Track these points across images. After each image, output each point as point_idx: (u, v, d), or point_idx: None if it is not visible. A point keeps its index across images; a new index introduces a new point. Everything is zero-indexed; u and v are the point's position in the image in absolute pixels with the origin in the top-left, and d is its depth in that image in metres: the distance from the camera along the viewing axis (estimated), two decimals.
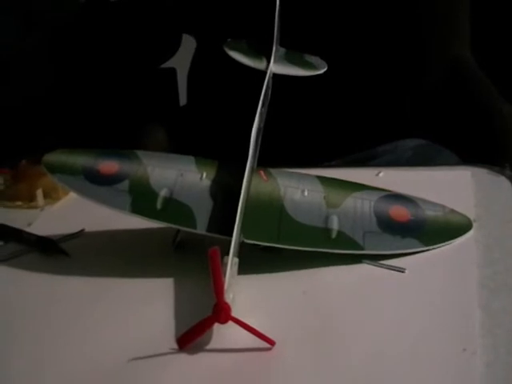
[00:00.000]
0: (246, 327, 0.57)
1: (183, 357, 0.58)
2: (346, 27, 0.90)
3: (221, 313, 0.57)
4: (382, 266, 0.67)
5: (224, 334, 0.59)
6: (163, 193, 0.69)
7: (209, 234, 0.67)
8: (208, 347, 0.59)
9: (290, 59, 0.83)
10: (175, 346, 0.59)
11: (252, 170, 0.70)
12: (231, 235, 0.64)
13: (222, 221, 0.67)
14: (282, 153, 0.84)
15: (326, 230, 0.69)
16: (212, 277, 0.57)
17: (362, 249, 0.68)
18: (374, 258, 0.68)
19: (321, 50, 0.84)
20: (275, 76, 0.79)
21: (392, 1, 0.88)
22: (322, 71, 0.82)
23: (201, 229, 0.67)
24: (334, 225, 0.69)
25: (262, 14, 0.85)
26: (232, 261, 0.62)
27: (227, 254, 0.62)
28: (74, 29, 0.60)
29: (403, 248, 0.68)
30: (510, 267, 0.66)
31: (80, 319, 0.64)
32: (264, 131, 0.73)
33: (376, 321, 0.61)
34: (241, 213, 0.66)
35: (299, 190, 0.71)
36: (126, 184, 0.69)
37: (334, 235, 0.68)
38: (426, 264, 0.68)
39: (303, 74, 0.82)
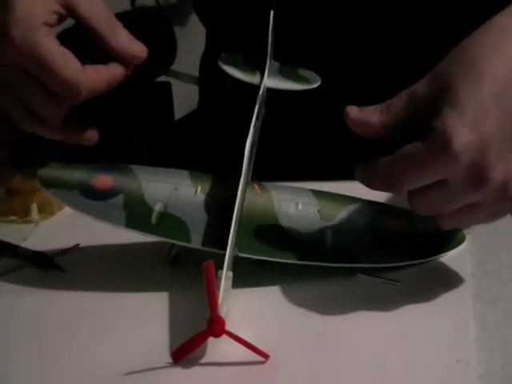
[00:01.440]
0: (240, 341, 0.57)
1: (177, 371, 0.58)
2: (341, 41, 0.90)
3: (215, 326, 0.57)
4: (376, 278, 0.68)
5: (218, 348, 0.59)
6: (158, 207, 0.69)
7: (203, 248, 0.67)
8: (202, 361, 0.59)
9: (284, 73, 0.83)
10: (170, 360, 0.59)
11: (246, 184, 0.70)
12: (225, 249, 0.64)
13: (216, 235, 0.67)
14: (275, 166, 0.84)
15: (320, 244, 0.69)
16: (206, 291, 0.57)
17: (356, 262, 0.68)
18: (369, 271, 0.68)
19: (315, 64, 0.84)
20: (269, 90, 0.79)
21: (391, 16, 0.88)
22: (315, 85, 0.82)
23: (195, 243, 0.68)
24: (328, 238, 0.69)
25: (255, 29, 0.85)
26: (226, 275, 0.62)
27: (221, 267, 0.62)
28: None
29: (397, 261, 0.69)
30: (505, 279, 0.66)
31: (74, 334, 0.64)
32: (258, 145, 0.73)
33: (370, 333, 0.61)
34: (235, 226, 0.66)
35: (293, 203, 0.72)
36: (120, 198, 0.69)
37: (328, 248, 0.68)
38: (420, 276, 0.68)
39: (297, 88, 0.82)
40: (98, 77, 0.61)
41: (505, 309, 0.62)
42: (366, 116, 0.60)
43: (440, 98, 0.57)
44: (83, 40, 0.61)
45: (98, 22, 0.61)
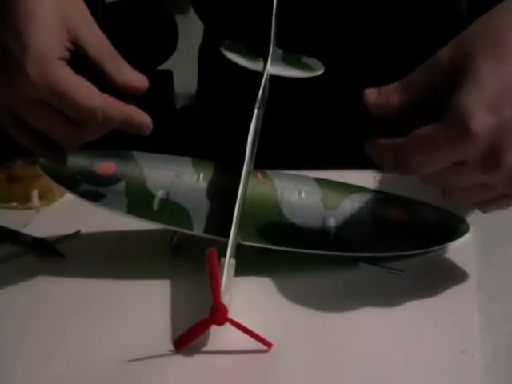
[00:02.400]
0: (242, 329, 0.57)
1: (180, 358, 0.58)
2: (345, 28, 0.90)
3: (218, 314, 0.57)
4: (380, 268, 0.67)
5: (221, 336, 0.59)
6: (160, 194, 0.69)
7: (206, 236, 0.67)
8: (205, 349, 0.58)
9: (287, 61, 0.83)
10: (172, 347, 0.58)
11: (249, 172, 0.70)
12: (228, 237, 0.64)
13: (218, 222, 0.67)
14: (279, 155, 0.84)
15: (323, 232, 0.68)
16: (209, 278, 0.57)
17: (360, 251, 0.68)
18: (371, 260, 0.68)
19: (319, 51, 0.84)
20: (272, 77, 0.79)
21: (394, 3, 0.87)
22: (319, 73, 0.82)
23: (198, 230, 0.67)
24: (331, 227, 0.69)
25: (258, 16, 0.84)
26: (229, 262, 0.62)
27: (224, 255, 0.62)
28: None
29: (400, 250, 0.68)
30: (509, 271, 0.66)
31: (76, 321, 0.64)
32: (261, 133, 0.73)
33: (374, 323, 0.61)
34: (237, 214, 0.65)
35: (296, 191, 0.71)
36: (122, 185, 0.69)
37: (331, 237, 0.68)
38: (424, 267, 0.67)
39: (300, 76, 0.82)
40: (113, 103, 0.62)
41: (509, 300, 0.62)
42: (385, 98, 0.60)
43: (462, 72, 0.56)
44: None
45: (102, 58, 0.63)
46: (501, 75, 0.55)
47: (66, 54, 0.62)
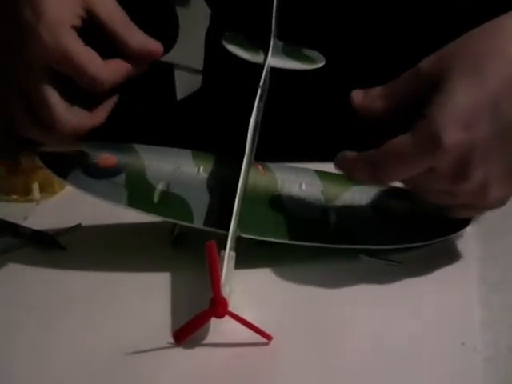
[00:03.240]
0: (242, 322, 0.57)
1: (180, 351, 0.58)
2: (346, 19, 0.90)
3: (218, 307, 0.57)
4: (380, 259, 0.67)
5: (221, 329, 0.59)
6: (160, 186, 0.69)
7: (206, 228, 0.67)
8: (205, 342, 0.58)
9: (287, 53, 0.82)
10: (172, 340, 0.58)
11: (249, 164, 0.69)
12: (228, 229, 0.64)
13: (219, 215, 0.67)
14: (279, 147, 0.83)
15: (324, 224, 0.68)
16: (209, 271, 0.57)
17: (360, 243, 0.68)
18: (372, 252, 0.68)
19: (319, 44, 0.84)
20: (273, 70, 0.78)
21: None
22: (320, 65, 0.82)
23: (198, 223, 0.67)
24: (332, 219, 0.69)
25: (259, 8, 0.84)
26: (229, 255, 0.62)
27: (224, 248, 0.62)
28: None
29: (402, 242, 0.68)
30: (510, 262, 0.66)
31: (76, 313, 0.64)
32: (262, 124, 0.73)
33: (374, 315, 0.61)
34: (238, 207, 0.65)
35: (297, 183, 0.71)
36: (122, 177, 0.69)
37: (331, 229, 0.68)
38: (425, 259, 0.67)
39: (301, 68, 0.81)
40: (118, 71, 0.66)
41: (510, 291, 0.62)
42: (370, 101, 0.62)
43: (438, 86, 0.58)
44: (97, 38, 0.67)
45: (116, 24, 0.66)
46: (475, 96, 0.57)
47: (79, 21, 0.64)
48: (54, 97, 0.64)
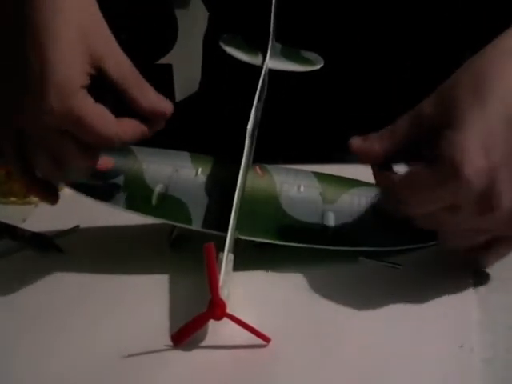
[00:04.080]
0: (241, 324, 0.57)
1: (178, 354, 0.58)
2: (344, 21, 0.90)
3: (216, 309, 0.57)
4: (379, 261, 0.67)
5: (219, 331, 0.59)
6: (158, 189, 0.69)
7: (204, 231, 0.67)
8: (203, 344, 0.58)
9: (286, 55, 0.83)
10: (170, 342, 0.58)
11: (248, 166, 0.69)
12: (226, 231, 0.63)
13: (217, 217, 0.67)
14: (278, 149, 0.83)
15: (322, 226, 0.68)
16: (207, 273, 0.57)
17: (359, 245, 0.68)
18: (371, 255, 0.68)
19: (318, 46, 0.84)
20: (271, 71, 0.78)
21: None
22: (318, 67, 0.82)
23: (196, 225, 0.67)
24: (330, 221, 0.69)
25: (257, 10, 0.84)
26: (227, 257, 0.62)
27: (222, 250, 0.62)
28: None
29: (400, 244, 0.68)
30: (508, 263, 0.65)
31: (74, 316, 0.64)
32: (260, 127, 0.73)
33: (372, 317, 0.61)
34: (236, 209, 0.65)
35: (295, 185, 0.71)
36: (121, 179, 0.69)
37: (330, 231, 0.68)
38: (423, 261, 0.67)
39: (300, 70, 0.81)
40: (132, 130, 0.63)
41: (508, 293, 0.62)
42: (369, 146, 0.61)
43: (446, 122, 0.57)
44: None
45: (127, 83, 0.62)
46: (485, 121, 0.56)
47: (88, 79, 0.61)
48: (70, 147, 0.61)
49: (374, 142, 0.61)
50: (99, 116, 0.60)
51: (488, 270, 0.64)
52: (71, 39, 0.60)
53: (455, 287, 0.63)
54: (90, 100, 0.61)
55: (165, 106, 0.64)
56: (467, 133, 0.56)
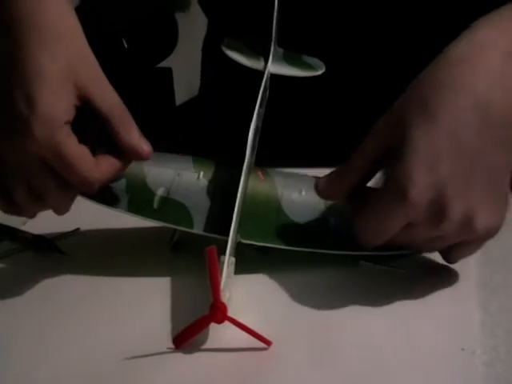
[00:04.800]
0: (242, 327, 0.57)
1: (179, 356, 0.58)
2: (346, 26, 0.90)
3: (217, 312, 0.57)
4: (380, 266, 0.67)
5: (220, 334, 0.59)
6: (160, 192, 0.69)
7: (206, 234, 0.67)
8: (203, 347, 0.59)
9: (288, 59, 0.83)
10: (171, 345, 0.58)
11: (249, 170, 0.70)
12: (228, 235, 0.64)
13: (218, 221, 0.67)
14: (279, 153, 0.84)
15: (324, 231, 0.68)
16: (209, 275, 0.57)
17: (360, 249, 0.68)
18: (372, 258, 0.68)
19: (319, 51, 0.84)
20: (274, 76, 0.79)
21: (394, 3, 0.88)
22: (320, 72, 0.82)
23: (197, 229, 0.67)
24: (331, 224, 0.69)
25: (262, 12, 0.84)
26: (229, 260, 0.62)
27: (224, 254, 0.62)
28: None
29: (400, 248, 0.68)
30: (509, 266, 0.66)
31: (75, 318, 0.64)
32: (262, 131, 0.73)
33: (374, 320, 0.61)
34: (238, 212, 0.65)
35: (297, 190, 0.71)
36: (123, 182, 0.69)
37: (331, 236, 0.68)
38: (424, 264, 0.67)
39: (301, 75, 0.82)
40: (109, 171, 0.64)
41: (509, 296, 0.62)
42: (332, 185, 0.63)
43: (397, 141, 0.58)
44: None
45: (113, 117, 0.63)
46: (432, 136, 0.57)
47: (73, 113, 0.61)
48: (49, 181, 0.62)
49: (336, 181, 0.63)
50: (81, 157, 0.61)
51: (488, 271, 0.65)
52: (57, 72, 0.60)
53: (457, 290, 0.63)
54: (73, 139, 0.61)
55: (144, 148, 0.64)
56: (414, 150, 0.57)
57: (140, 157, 0.64)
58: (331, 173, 0.63)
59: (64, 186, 0.62)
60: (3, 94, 0.60)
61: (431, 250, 0.65)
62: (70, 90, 0.61)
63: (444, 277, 0.65)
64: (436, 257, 0.67)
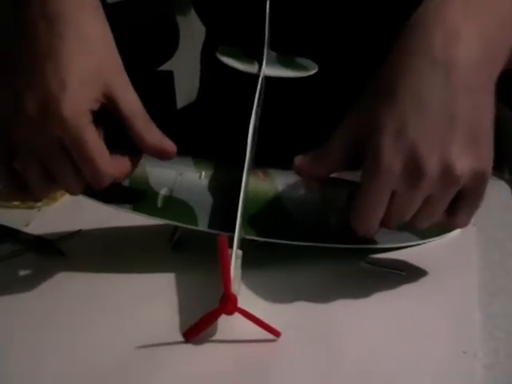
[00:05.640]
0: (251, 318, 0.58)
1: (187, 348, 0.58)
2: (337, 28, 0.91)
3: (228, 303, 0.57)
4: (381, 268, 0.67)
5: (228, 326, 0.59)
6: (163, 191, 0.69)
7: (210, 231, 0.67)
8: (212, 338, 0.59)
9: (281, 62, 0.84)
10: (180, 338, 0.59)
11: (250, 168, 0.70)
12: (232, 231, 0.64)
13: (222, 217, 0.68)
14: (278, 153, 0.84)
15: (324, 225, 0.69)
16: (220, 266, 0.57)
17: (359, 243, 0.68)
18: (372, 252, 0.69)
19: (312, 51, 0.85)
20: (269, 78, 0.80)
21: (386, 4, 0.88)
22: (312, 72, 0.83)
23: (202, 226, 0.68)
24: (332, 219, 0.70)
25: (255, 18, 0.85)
26: (236, 253, 0.63)
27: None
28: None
29: (400, 242, 0.70)
30: (510, 270, 0.66)
31: (78, 318, 0.64)
32: (260, 132, 0.73)
33: (375, 323, 0.61)
34: (242, 206, 0.66)
35: (297, 188, 0.72)
36: (126, 183, 0.69)
37: (331, 230, 0.69)
38: (425, 266, 0.68)
39: (295, 76, 0.83)
40: (120, 170, 0.65)
41: (510, 299, 0.62)
42: (311, 166, 0.66)
43: (366, 131, 0.60)
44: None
45: (135, 119, 0.64)
46: (395, 107, 0.59)
47: (97, 106, 0.62)
48: (65, 163, 0.62)
49: (314, 163, 0.66)
50: (99, 147, 0.62)
51: (489, 275, 0.65)
52: (89, 68, 0.62)
53: (457, 294, 0.63)
54: (94, 130, 0.62)
55: (168, 145, 0.66)
56: (380, 129, 0.59)
57: (165, 155, 0.66)
58: (310, 153, 0.66)
59: (77, 171, 0.63)
60: (35, 75, 0.62)
61: (430, 220, 0.63)
62: (98, 86, 0.62)
63: (445, 279, 0.65)
64: (436, 259, 0.68)
